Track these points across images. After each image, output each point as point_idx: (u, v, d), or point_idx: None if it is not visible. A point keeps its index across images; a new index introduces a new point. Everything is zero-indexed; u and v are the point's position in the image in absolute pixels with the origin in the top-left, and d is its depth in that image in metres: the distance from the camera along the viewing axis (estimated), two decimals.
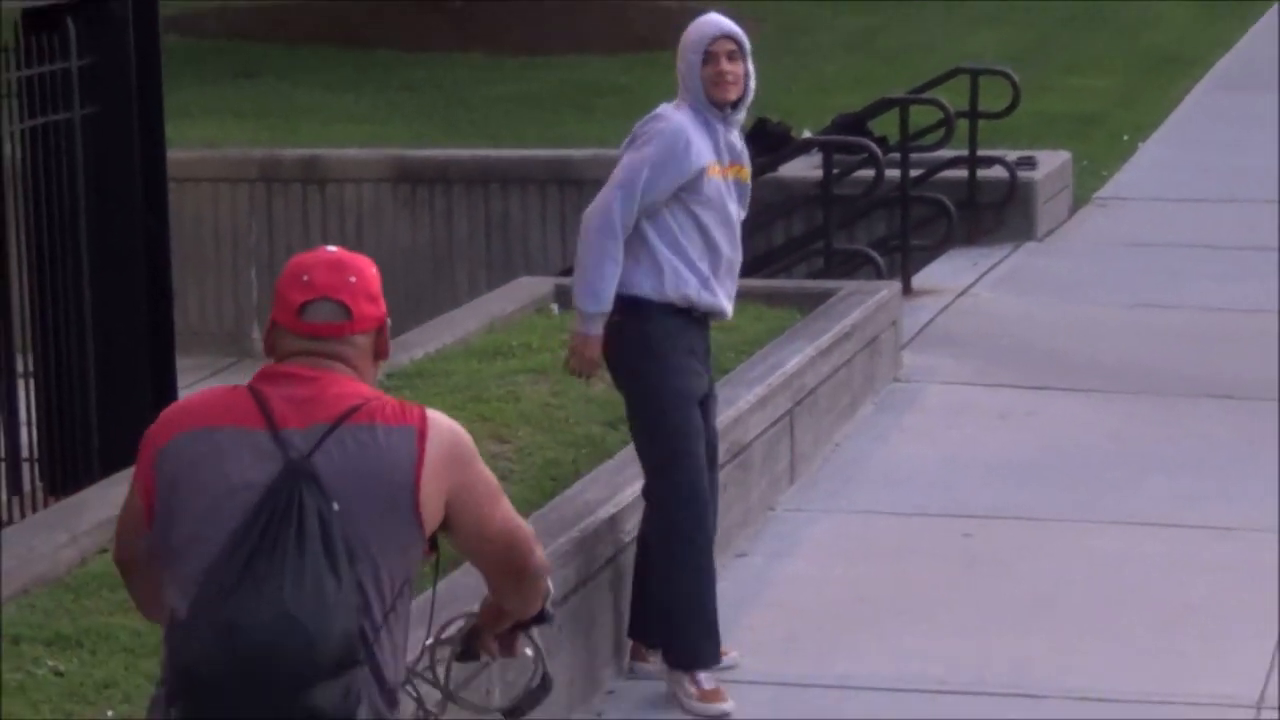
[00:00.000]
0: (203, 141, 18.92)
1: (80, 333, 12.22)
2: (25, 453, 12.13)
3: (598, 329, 8.87)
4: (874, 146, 16.55)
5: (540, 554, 5.59)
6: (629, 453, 10.30)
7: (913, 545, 10.75)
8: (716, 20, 8.91)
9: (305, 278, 5.31)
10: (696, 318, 9.00)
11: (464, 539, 5.42)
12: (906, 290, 15.25)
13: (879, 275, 15.56)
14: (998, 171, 17.50)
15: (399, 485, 5.21)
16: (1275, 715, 8.96)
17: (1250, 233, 17.47)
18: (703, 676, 8.97)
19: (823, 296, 13.70)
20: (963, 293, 15.60)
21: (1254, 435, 12.53)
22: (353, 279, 5.33)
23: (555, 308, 13.59)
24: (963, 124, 17.49)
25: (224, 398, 5.31)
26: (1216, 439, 12.49)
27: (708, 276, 8.93)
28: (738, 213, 9.06)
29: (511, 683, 6.76)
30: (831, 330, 12.72)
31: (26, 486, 12.01)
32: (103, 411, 12.28)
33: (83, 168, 12.20)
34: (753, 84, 8.91)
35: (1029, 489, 11.66)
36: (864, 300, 13.52)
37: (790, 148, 18.09)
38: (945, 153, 17.43)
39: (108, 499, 9.42)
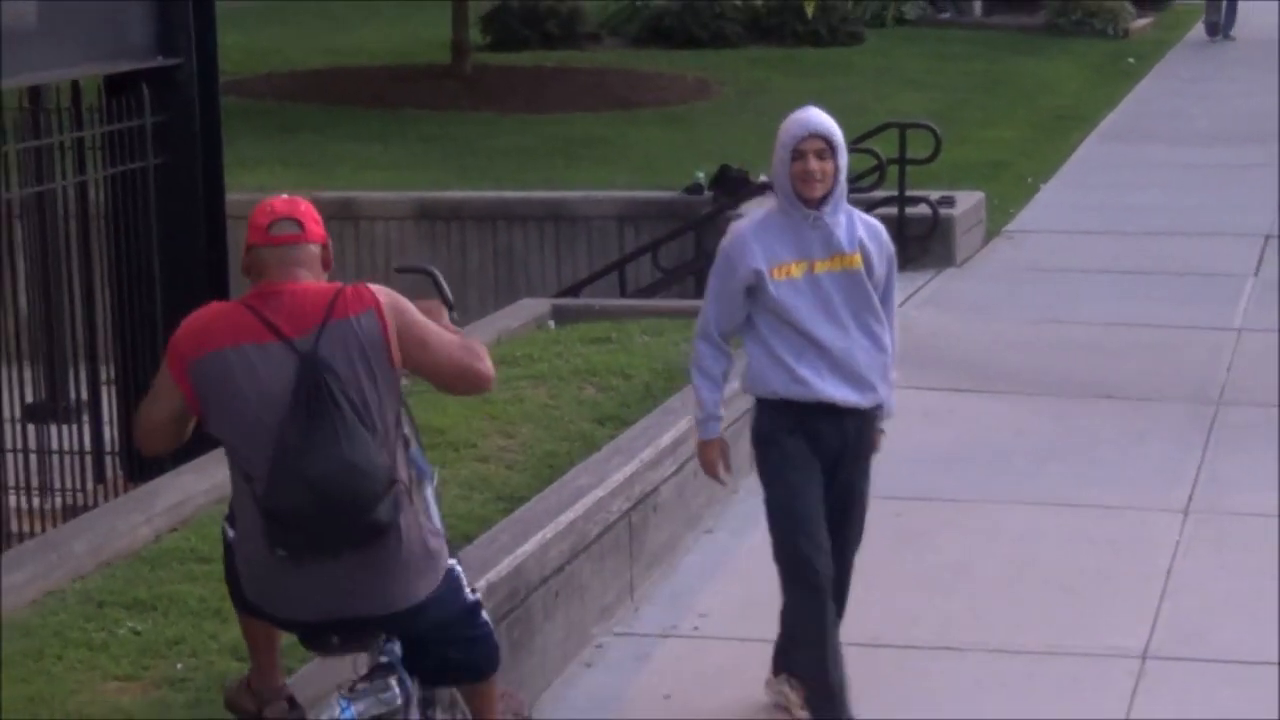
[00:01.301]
0: (255, 186, 18.85)
1: (153, 346, 12.20)
2: (108, 447, 12.12)
3: (705, 435, 8.10)
4: None
5: (476, 357, 6.50)
6: (614, 446, 10.31)
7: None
8: (808, 118, 7.89)
9: (268, 209, 6.25)
10: (811, 409, 7.91)
11: (427, 369, 6.39)
12: None
13: None
14: (922, 209, 17.52)
15: (378, 348, 6.16)
16: (1157, 663, 8.97)
17: (1135, 260, 17.52)
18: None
19: None
20: (906, 300, 15.59)
21: (1136, 429, 12.56)
22: (302, 208, 6.29)
23: (551, 324, 13.59)
24: (893, 169, 17.56)
25: (232, 317, 6.15)
26: (1105, 433, 12.51)
27: (794, 368, 7.86)
28: (852, 301, 7.87)
29: None
30: None
31: (109, 475, 12.01)
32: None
33: (155, 207, 12.21)
34: (843, 179, 7.86)
35: (949, 475, 11.68)
36: None
37: (749, 189, 18.19)
38: (879, 193, 17.47)
39: (176, 486, 9.42)
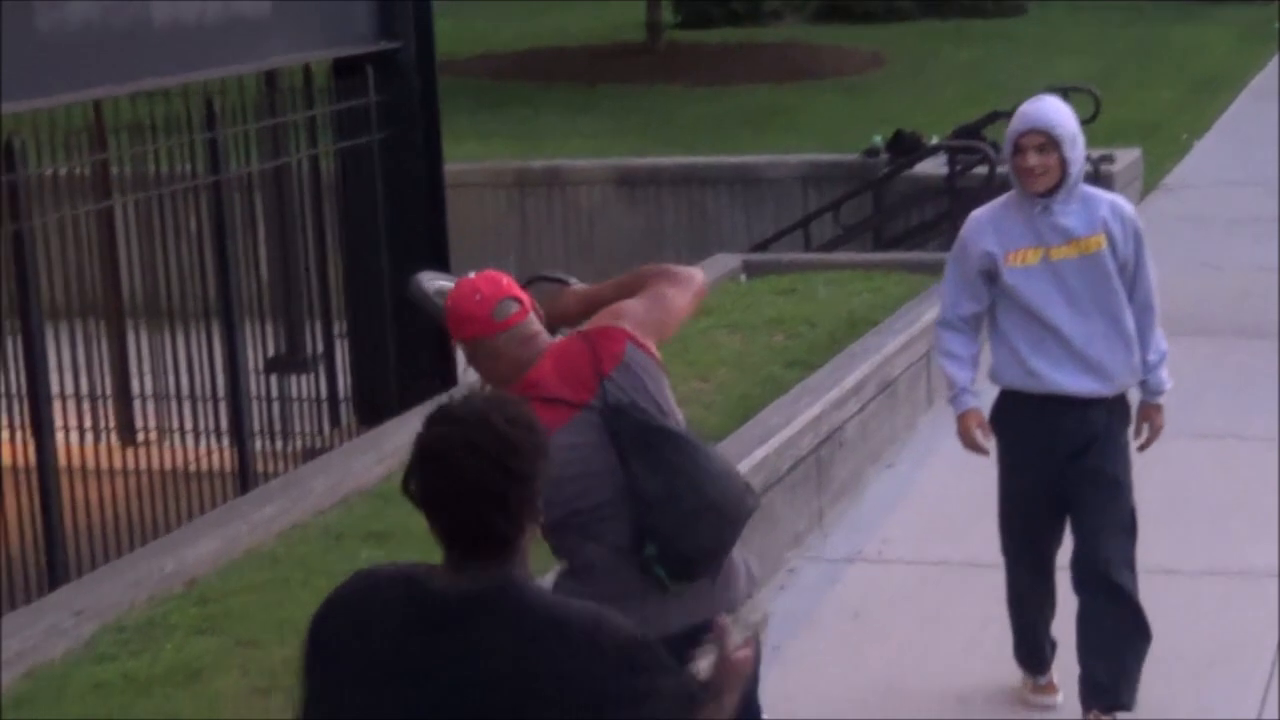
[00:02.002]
0: (470, 157, 19.00)
1: (380, 304, 12.33)
2: (342, 395, 12.26)
3: (959, 408, 7.40)
4: (987, 148, 16.56)
5: (686, 287, 5.56)
6: (802, 387, 10.31)
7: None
8: (1028, 112, 7.17)
9: (477, 296, 5.19)
10: (1048, 401, 7.23)
11: (668, 335, 5.48)
12: None
13: None
14: (1085, 165, 17.32)
15: (650, 367, 5.28)
16: None
17: None
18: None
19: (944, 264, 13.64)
20: None
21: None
22: (504, 282, 5.25)
23: (743, 278, 13.59)
24: None
25: (550, 399, 5.11)
26: (1256, 370, 12.36)
27: (1027, 360, 7.21)
28: (1093, 286, 7.17)
29: None
30: None
31: (343, 420, 12.14)
32: (399, 362, 12.39)
33: (380, 178, 12.32)
34: (1074, 169, 7.10)
35: None
36: None
37: (922, 151, 18.10)
38: None
39: (404, 428, 9.51)
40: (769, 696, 7.78)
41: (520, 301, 5.23)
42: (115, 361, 11.66)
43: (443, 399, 3.79)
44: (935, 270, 13.37)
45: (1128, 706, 7.26)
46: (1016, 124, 7.17)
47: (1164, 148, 20.13)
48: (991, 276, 7.23)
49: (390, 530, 8.02)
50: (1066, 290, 7.17)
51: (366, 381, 12.37)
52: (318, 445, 11.50)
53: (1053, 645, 7.72)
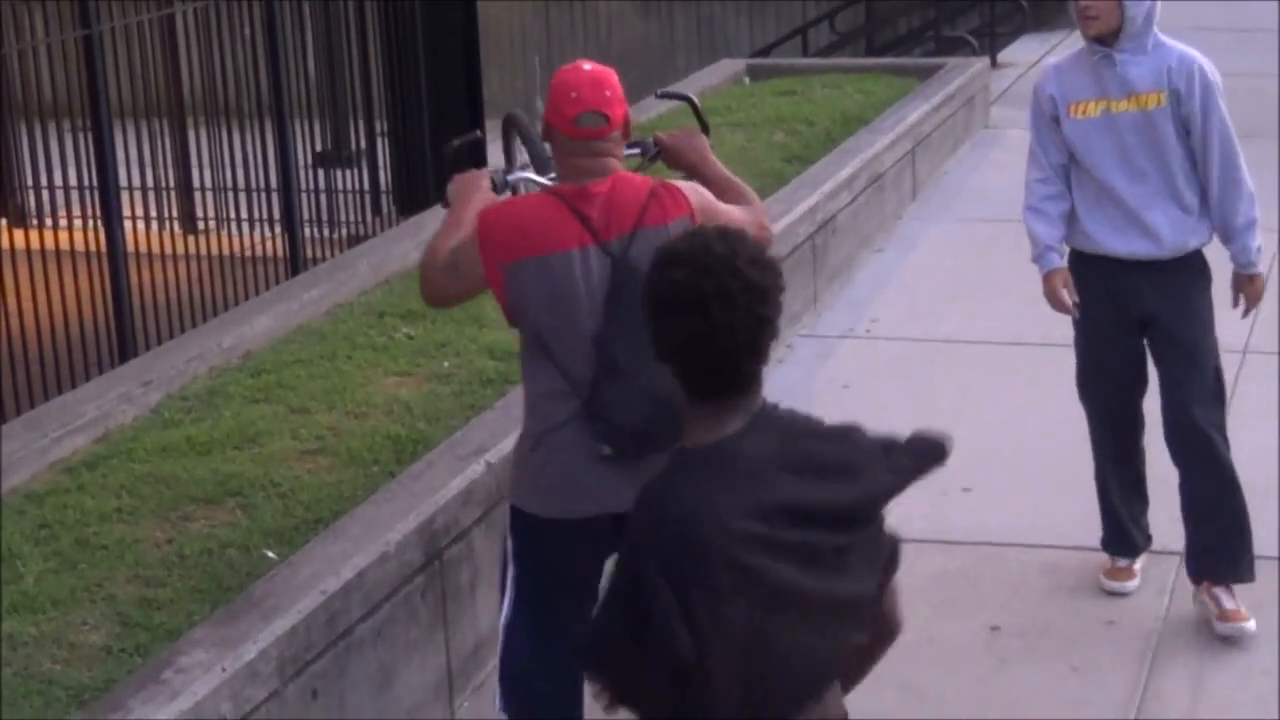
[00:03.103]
0: None
1: (418, 103, 12.22)
2: (383, 187, 12.20)
3: (1043, 268, 6.47)
4: None
5: (764, 230, 5.05)
6: (800, 180, 10.23)
7: (996, 242, 10.63)
8: None
9: (574, 94, 4.85)
10: (1104, 262, 6.41)
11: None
12: (994, 64, 15.02)
13: (974, 53, 15.35)
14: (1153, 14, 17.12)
15: None
16: (1258, 358, 8.83)
17: (1250, 16, 17.07)
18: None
19: (934, 69, 13.53)
20: (1034, 64, 15.32)
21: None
22: (607, 93, 4.87)
23: (746, 80, 13.46)
24: None
25: (550, 217, 4.81)
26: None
27: (1083, 219, 6.40)
28: (1152, 145, 6.24)
29: None
30: (940, 93, 12.56)
31: (384, 209, 12.09)
32: (435, 157, 12.31)
33: None
34: (1134, 13, 6.15)
35: None
36: (963, 71, 13.34)
37: None
38: None
39: (439, 217, 9.45)
40: None
41: (608, 118, 4.85)
42: (177, 156, 11.57)
43: (670, 239, 3.48)
44: (920, 74, 13.31)
45: (1243, 577, 6.48)
46: None
47: None
48: (1057, 124, 6.37)
49: (425, 309, 7.95)
50: (1124, 147, 6.26)
51: (405, 175, 12.29)
52: (361, 233, 11.45)
53: (1146, 537, 6.83)
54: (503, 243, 4.82)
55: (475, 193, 5.15)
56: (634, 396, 4.77)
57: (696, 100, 6.03)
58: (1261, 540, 6.82)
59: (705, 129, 5.58)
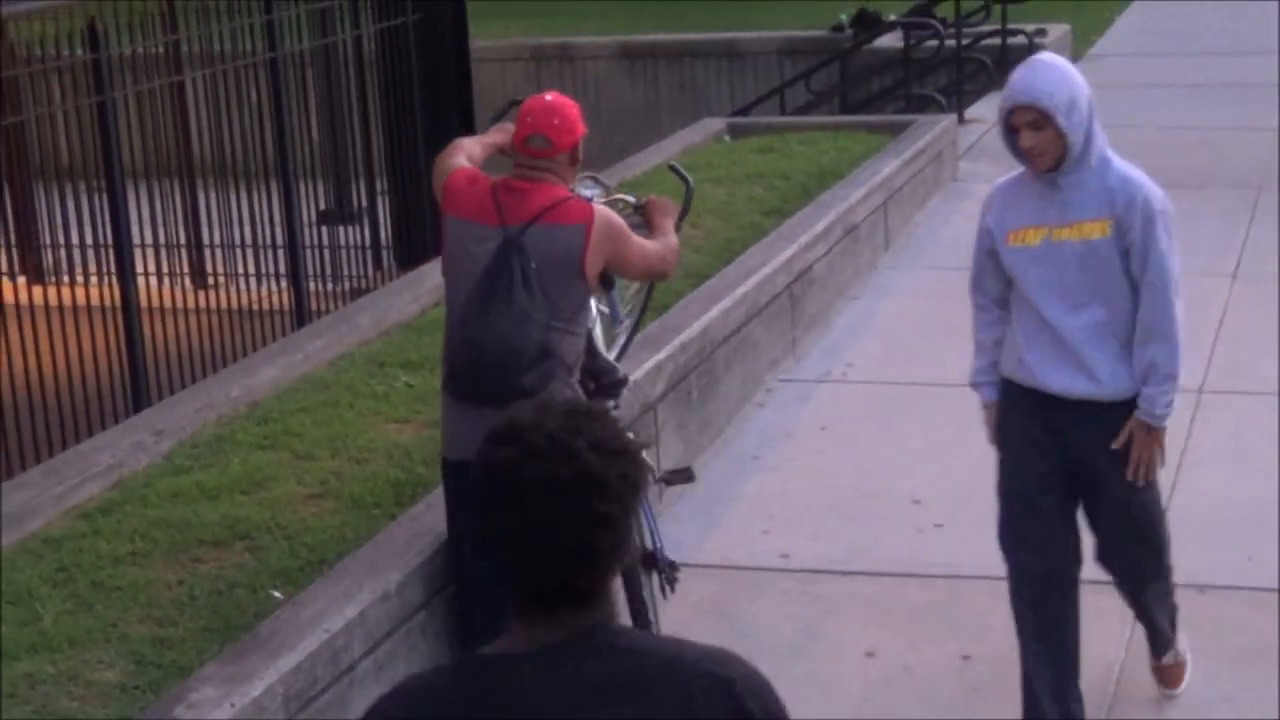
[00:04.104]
0: (493, 35, 18.83)
1: (416, 163, 12.23)
2: (384, 243, 12.20)
3: (981, 397, 5.80)
4: (937, 24, 16.42)
5: (663, 265, 5.91)
6: (778, 233, 10.24)
7: (965, 289, 10.65)
8: (1016, 87, 5.39)
9: (529, 118, 5.60)
10: (1042, 397, 5.54)
11: (621, 273, 5.88)
12: (961, 120, 15.04)
13: (942, 110, 15.37)
14: (1021, 39, 17.19)
15: (572, 259, 5.57)
16: (1211, 395, 8.83)
17: (1193, 75, 17.16)
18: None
19: (905, 126, 13.55)
20: (997, 122, 15.36)
21: (1195, 210, 12.29)
22: (556, 121, 5.58)
23: (727, 138, 13.47)
24: (996, 7, 17.24)
25: (481, 194, 5.63)
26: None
27: (1023, 350, 5.55)
28: (1093, 276, 5.41)
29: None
30: (911, 148, 12.57)
31: (384, 264, 12.09)
32: (433, 213, 12.30)
33: (415, 54, 12.18)
34: (1075, 138, 5.35)
35: None
36: (932, 127, 13.35)
37: (881, 27, 17.92)
38: (985, 27, 17.21)
39: (437, 271, 9.44)
40: (749, 499, 7.81)
41: (553, 143, 5.58)
42: (187, 215, 11.59)
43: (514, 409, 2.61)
44: (891, 131, 13.34)
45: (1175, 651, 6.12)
46: (1004, 100, 5.44)
47: (1090, 22, 19.92)
48: (995, 256, 5.62)
49: (424, 359, 7.99)
50: (1065, 278, 5.45)
51: (404, 231, 12.30)
52: (363, 286, 11.45)
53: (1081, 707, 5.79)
54: (449, 201, 5.70)
55: (496, 135, 6.10)
56: (472, 347, 5.53)
57: (692, 187, 6.67)
58: (1258, 574, 6.85)
59: (683, 213, 6.32)
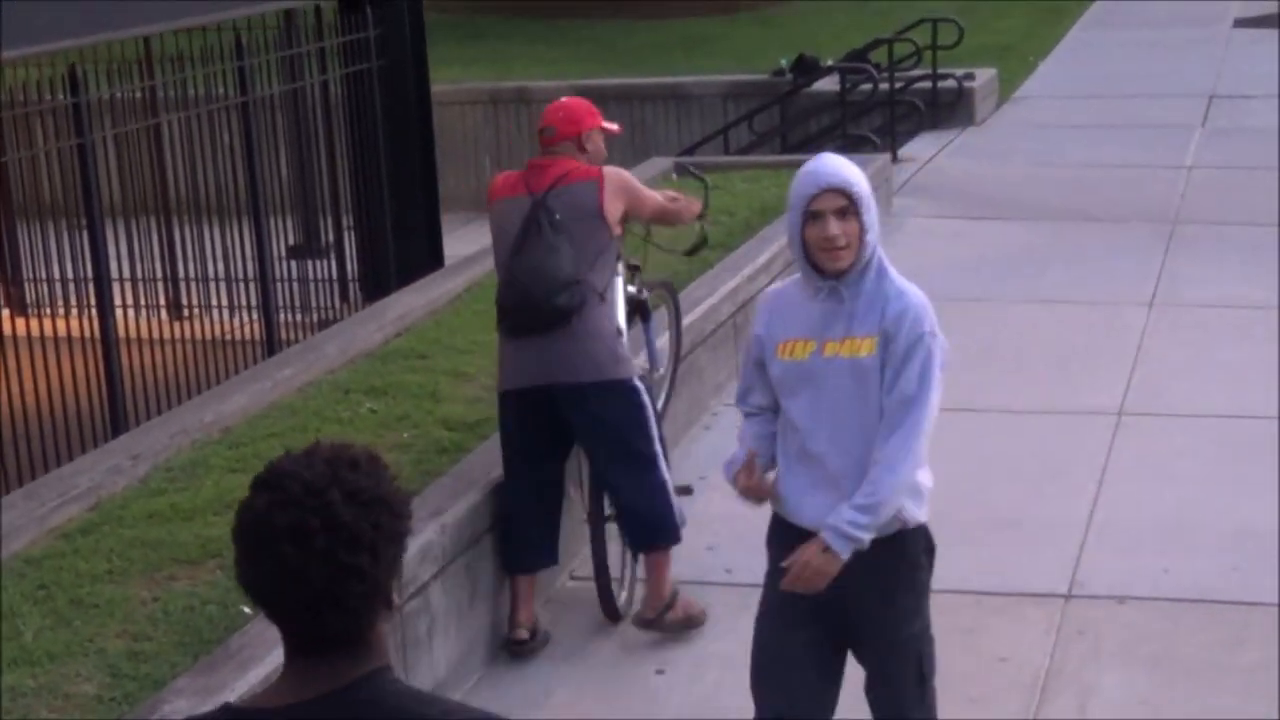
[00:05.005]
0: (452, 79, 18.83)
1: (381, 200, 12.24)
2: (350, 276, 12.19)
3: (727, 472, 4.83)
4: (871, 69, 16.45)
5: (677, 210, 6.93)
6: (723, 265, 10.24)
7: None
8: (822, 168, 4.59)
9: (545, 116, 6.70)
10: (799, 533, 4.67)
11: (639, 214, 6.79)
12: (894, 159, 15.10)
13: (876, 150, 15.41)
14: (951, 83, 17.28)
15: (592, 207, 6.49)
16: (1130, 418, 8.89)
17: (1110, 116, 17.26)
18: None
19: None
20: (929, 160, 15.43)
21: (1112, 243, 12.42)
22: (562, 114, 6.67)
23: (674, 176, 13.48)
24: (928, 53, 17.33)
25: (512, 181, 6.65)
26: (1088, 247, 12.38)
27: (782, 476, 4.75)
28: (862, 399, 4.59)
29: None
30: None
31: (351, 296, 12.07)
32: (397, 249, 12.32)
33: (379, 98, 12.18)
34: (871, 236, 4.57)
35: (972, 280, 11.57)
36: (867, 166, 13.33)
37: (819, 71, 17.98)
38: (916, 72, 17.27)
39: (400, 303, 9.44)
40: (695, 517, 7.79)
41: (556, 132, 6.60)
42: (163, 250, 11.55)
43: (285, 456, 2.48)
44: None
45: None
46: (805, 185, 4.57)
47: (1015, 67, 20.01)
48: (764, 367, 4.79)
49: (387, 386, 7.97)
50: (832, 398, 4.63)
51: (370, 264, 12.29)
52: (331, 317, 11.43)
53: None
54: (491, 193, 6.70)
55: (686, 202, 7.16)
56: (512, 283, 6.43)
57: (709, 183, 8.00)
58: (1173, 586, 6.89)
59: (703, 210, 7.23)
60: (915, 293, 4.69)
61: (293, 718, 2.40)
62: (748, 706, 4.94)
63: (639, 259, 7.53)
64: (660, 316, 8.18)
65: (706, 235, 7.77)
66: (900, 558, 4.73)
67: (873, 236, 4.59)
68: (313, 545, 2.37)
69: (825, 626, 4.73)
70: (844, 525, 4.56)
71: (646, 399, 6.66)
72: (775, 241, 10.75)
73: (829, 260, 4.57)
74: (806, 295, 4.69)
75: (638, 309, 7.49)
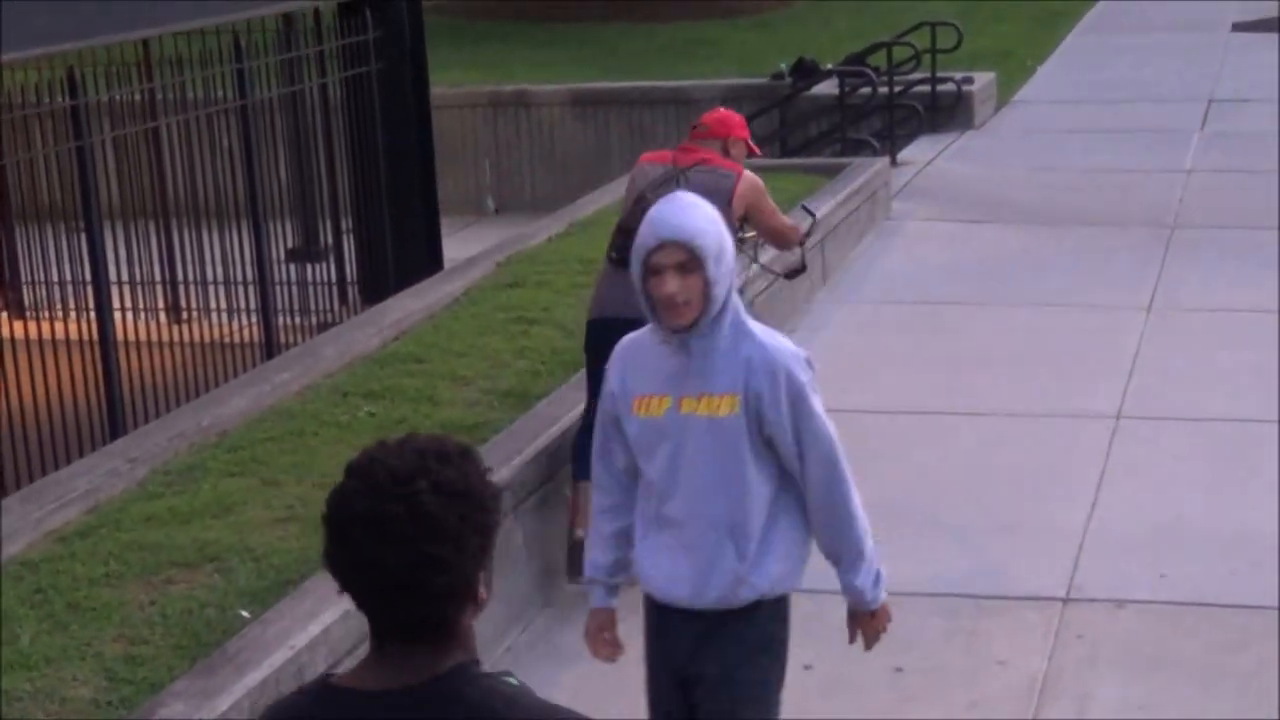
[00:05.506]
0: (452, 83, 18.81)
1: (380, 203, 12.23)
2: (349, 279, 12.17)
3: (591, 602, 4.67)
4: (870, 73, 16.43)
5: (788, 235, 7.58)
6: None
7: (898, 322, 10.69)
8: (662, 219, 4.24)
9: (703, 117, 7.48)
10: (660, 606, 4.46)
11: (756, 222, 7.38)
12: (893, 163, 15.08)
13: (876, 154, 15.40)
14: (950, 86, 17.26)
15: (724, 193, 6.91)
16: (1127, 421, 8.88)
17: (1108, 120, 17.25)
18: None
19: (840, 168, 13.58)
20: (928, 163, 15.42)
21: (1111, 247, 12.40)
22: (717, 118, 7.41)
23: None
24: (926, 57, 17.31)
25: (660, 154, 7.37)
26: (1086, 251, 12.36)
27: (640, 543, 4.44)
28: (724, 459, 4.26)
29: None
30: (846, 189, 12.60)
31: (350, 299, 12.06)
32: (396, 251, 12.31)
33: (378, 101, 12.18)
34: (719, 290, 4.18)
35: (970, 284, 11.56)
36: (867, 169, 13.39)
37: (818, 75, 17.96)
38: (915, 76, 17.26)
39: (398, 306, 9.43)
40: None
41: (708, 128, 7.31)
42: (162, 253, 11.54)
43: (379, 445, 2.49)
44: (828, 173, 13.37)
45: None
46: (644, 237, 4.24)
47: (1013, 71, 20.00)
48: (620, 425, 4.44)
49: (386, 389, 7.95)
50: (690, 460, 4.29)
51: (369, 267, 12.28)
52: (330, 320, 11.42)
53: None
54: (636, 164, 7.42)
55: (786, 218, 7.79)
56: (639, 216, 5.78)
57: (816, 219, 8.22)
58: (1171, 590, 6.88)
59: (804, 237, 7.78)
60: (778, 342, 4.36)
61: (381, 705, 2.41)
62: (807, 678, 4.92)
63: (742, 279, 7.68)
64: None
65: (805, 263, 8.13)
66: (757, 630, 4.41)
67: (721, 290, 4.20)
68: (392, 533, 2.36)
69: (685, 703, 4.49)
70: (869, 592, 4.51)
71: None
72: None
73: (668, 317, 4.22)
74: (659, 348, 4.33)
75: None
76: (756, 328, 4.33)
